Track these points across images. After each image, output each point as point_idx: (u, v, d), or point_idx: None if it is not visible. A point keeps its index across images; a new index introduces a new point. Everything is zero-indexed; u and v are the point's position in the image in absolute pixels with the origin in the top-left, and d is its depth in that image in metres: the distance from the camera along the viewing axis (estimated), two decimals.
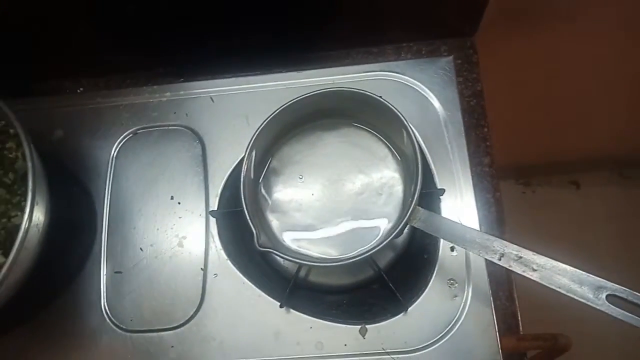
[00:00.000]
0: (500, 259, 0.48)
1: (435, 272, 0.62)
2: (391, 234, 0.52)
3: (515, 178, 1.61)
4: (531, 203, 1.59)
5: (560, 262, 0.46)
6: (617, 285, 0.43)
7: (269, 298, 0.62)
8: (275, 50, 0.76)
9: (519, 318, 0.65)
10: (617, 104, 1.16)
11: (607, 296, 0.43)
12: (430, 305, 0.61)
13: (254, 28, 0.73)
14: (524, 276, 0.46)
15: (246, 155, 0.56)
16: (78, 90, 0.79)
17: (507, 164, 1.43)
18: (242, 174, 0.55)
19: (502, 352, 0.58)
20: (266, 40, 0.75)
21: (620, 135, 1.30)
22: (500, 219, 0.69)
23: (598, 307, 0.43)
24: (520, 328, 0.65)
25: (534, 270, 0.46)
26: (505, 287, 0.65)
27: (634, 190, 1.55)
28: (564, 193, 1.59)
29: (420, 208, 0.53)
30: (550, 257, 0.46)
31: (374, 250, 0.52)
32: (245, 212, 0.53)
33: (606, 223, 1.51)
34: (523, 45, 0.93)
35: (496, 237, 0.49)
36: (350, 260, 0.52)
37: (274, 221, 0.62)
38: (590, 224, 1.51)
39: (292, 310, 0.62)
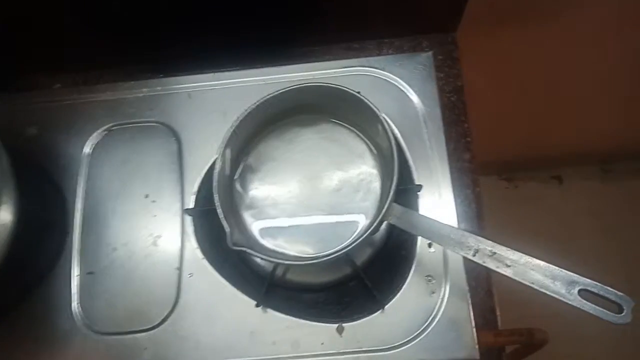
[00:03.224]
0: (474, 255, 0.47)
1: (413, 268, 0.62)
2: (366, 230, 0.51)
3: (498, 173, 1.62)
4: (514, 198, 1.60)
5: (536, 257, 0.46)
6: (589, 280, 0.43)
7: (245, 297, 0.61)
8: (256, 46, 0.75)
9: (497, 313, 0.65)
10: (599, 99, 1.17)
11: (579, 291, 0.43)
12: (407, 302, 0.60)
13: (234, 24, 0.72)
14: (498, 272, 0.46)
15: (220, 153, 0.55)
16: (54, 86, 0.78)
17: (490, 160, 1.44)
18: (216, 172, 0.54)
19: (479, 347, 0.58)
20: (246, 36, 0.74)
21: (602, 130, 1.31)
22: (479, 214, 0.69)
23: (570, 302, 0.43)
24: (499, 323, 0.65)
25: (508, 266, 0.46)
26: (483, 283, 0.65)
27: (616, 185, 1.57)
28: (547, 188, 1.60)
29: (395, 204, 0.52)
30: (525, 253, 0.46)
31: (349, 248, 0.51)
32: (218, 209, 0.52)
33: (588, 217, 1.52)
34: (505, 40, 0.93)
35: (471, 233, 0.48)
36: (326, 259, 0.51)
37: (250, 219, 0.61)
38: (573, 218, 1.53)
39: (268, 309, 0.61)
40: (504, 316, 0.65)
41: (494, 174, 1.61)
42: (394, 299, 0.60)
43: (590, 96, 1.15)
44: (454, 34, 0.77)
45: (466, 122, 0.73)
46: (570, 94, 1.14)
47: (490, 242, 0.47)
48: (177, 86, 0.73)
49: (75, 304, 0.63)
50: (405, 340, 0.59)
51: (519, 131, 1.31)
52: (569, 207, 1.55)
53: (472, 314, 0.59)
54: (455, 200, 0.66)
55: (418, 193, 0.64)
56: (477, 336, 0.59)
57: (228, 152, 0.57)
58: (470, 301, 0.60)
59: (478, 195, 0.71)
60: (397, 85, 0.70)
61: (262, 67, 0.74)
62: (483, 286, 0.65)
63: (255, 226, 0.61)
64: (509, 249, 0.46)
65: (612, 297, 0.42)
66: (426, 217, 0.51)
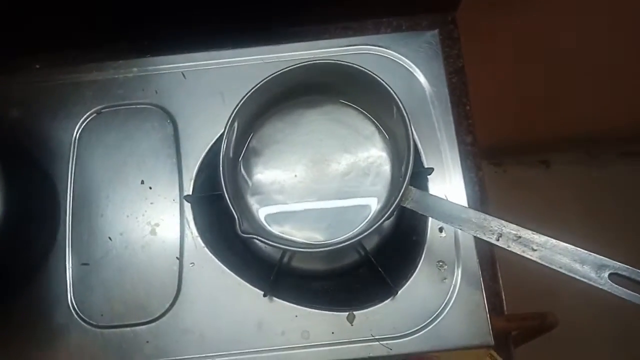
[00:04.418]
0: (498, 240, 0.46)
1: (424, 254, 0.60)
2: (382, 216, 0.49)
3: (487, 158, 1.62)
4: (503, 183, 1.61)
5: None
6: (619, 264, 0.42)
7: (251, 286, 0.59)
8: (249, 24, 0.71)
9: (503, 297, 0.65)
10: (586, 84, 1.17)
11: (609, 275, 0.41)
12: (419, 288, 0.59)
13: (227, 1, 0.68)
14: (524, 257, 0.45)
15: (226, 130, 0.51)
16: (35, 67, 0.73)
17: (481, 144, 1.43)
18: (221, 153, 0.51)
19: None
20: (239, 14, 0.71)
21: (588, 114, 1.32)
22: (483, 198, 0.68)
23: (601, 287, 0.41)
24: (505, 306, 0.64)
25: (534, 250, 0.44)
26: (488, 267, 0.64)
27: (601, 169, 1.58)
28: (535, 172, 1.61)
29: (412, 188, 0.50)
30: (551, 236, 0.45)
31: (364, 235, 0.49)
32: (226, 195, 0.49)
33: (576, 200, 1.54)
34: (497, 25, 0.92)
35: (494, 216, 0.47)
36: (339, 246, 0.49)
37: (255, 205, 0.58)
38: (561, 202, 1.54)
39: (275, 298, 0.58)
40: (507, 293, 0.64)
41: (484, 158, 1.61)
42: (405, 286, 0.58)
43: (578, 81, 1.16)
44: (453, 14, 0.75)
45: (468, 104, 0.72)
46: (558, 79, 1.14)
47: (515, 225, 0.45)
48: (170, 65, 0.69)
49: (70, 297, 0.59)
50: (418, 328, 0.57)
51: (509, 116, 1.31)
52: (556, 191, 1.56)
53: (485, 300, 0.58)
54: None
55: (428, 176, 0.62)
56: (490, 322, 0.57)
57: (235, 128, 0.53)
58: (483, 287, 0.59)
59: (481, 178, 0.69)
60: (402, 64, 0.68)
61: (257, 46, 0.70)
62: (488, 270, 0.64)
63: (261, 212, 0.58)
64: (534, 232, 0.45)
65: None
66: (445, 200, 0.50)
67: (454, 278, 0.59)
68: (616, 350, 1.37)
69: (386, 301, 0.58)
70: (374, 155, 0.60)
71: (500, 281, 0.65)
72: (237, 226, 0.48)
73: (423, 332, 0.57)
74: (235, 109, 0.52)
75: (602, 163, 1.60)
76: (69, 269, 0.60)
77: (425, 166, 0.62)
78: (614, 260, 0.42)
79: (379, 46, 0.69)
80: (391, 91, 0.52)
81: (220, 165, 0.50)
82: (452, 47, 0.74)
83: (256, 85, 0.53)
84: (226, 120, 0.54)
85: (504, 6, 0.87)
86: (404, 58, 0.68)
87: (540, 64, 1.07)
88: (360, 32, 0.74)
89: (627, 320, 1.26)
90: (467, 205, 0.62)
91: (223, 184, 0.49)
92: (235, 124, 0.53)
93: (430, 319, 0.58)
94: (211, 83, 0.67)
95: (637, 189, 1.53)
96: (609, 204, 1.53)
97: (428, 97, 0.66)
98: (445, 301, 0.58)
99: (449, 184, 0.63)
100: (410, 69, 0.67)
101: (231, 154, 0.55)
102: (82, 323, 0.59)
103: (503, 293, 0.65)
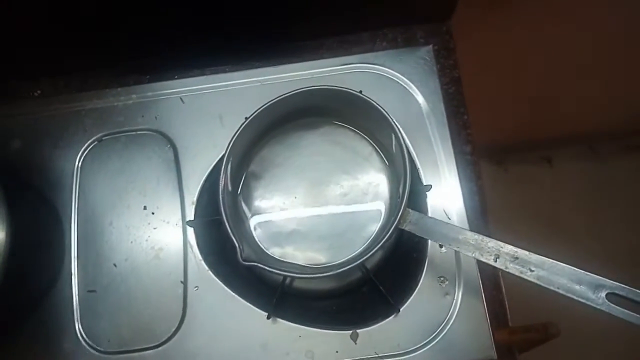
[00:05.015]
0: (496, 261, 0.46)
1: (425, 270, 0.60)
2: (381, 239, 0.50)
3: (487, 158, 1.61)
4: (505, 182, 1.60)
5: (557, 259, 0.45)
6: (616, 283, 0.42)
7: (255, 308, 0.60)
8: (244, 43, 0.72)
9: (507, 306, 0.65)
10: (587, 80, 1.17)
11: (607, 295, 0.42)
12: (421, 305, 0.59)
13: (221, 19, 0.69)
14: (521, 277, 0.45)
15: (223, 165, 0.52)
16: (35, 94, 0.74)
17: (480, 145, 1.43)
18: (220, 187, 0.51)
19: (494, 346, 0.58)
20: (235, 33, 0.71)
21: (590, 110, 1.31)
22: (484, 207, 0.68)
23: (598, 307, 0.42)
24: (509, 315, 0.64)
25: (532, 271, 0.44)
26: (491, 276, 0.64)
27: (604, 165, 1.57)
28: (537, 170, 1.60)
29: (410, 210, 0.50)
30: (547, 256, 0.45)
31: (364, 258, 0.49)
32: (227, 226, 0.50)
33: (579, 198, 1.53)
34: (497, 24, 0.92)
35: (490, 237, 0.47)
36: (339, 271, 0.50)
37: (257, 230, 0.59)
38: (564, 199, 1.53)
39: (279, 319, 0.59)
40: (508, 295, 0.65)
41: (484, 158, 1.61)
42: (407, 303, 0.59)
43: (579, 77, 1.15)
44: (448, 23, 0.76)
45: (465, 113, 0.72)
46: (558, 76, 1.14)
47: (512, 246, 0.46)
48: (169, 91, 0.70)
49: (78, 324, 0.60)
50: (422, 344, 0.58)
51: (509, 114, 1.30)
52: (560, 188, 1.55)
53: (487, 314, 0.59)
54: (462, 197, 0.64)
55: (427, 193, 0.62)
56: (493, 336, 0.58)
57: (230, 162, 0.54)
58: (485, 301, 0.59)
59: (481, 187, 0.69)
60: (398, 82, 0.68)
61: (253, 67, 0.71)
62: (491, 279, 0.64)
63: (262, 236, 0.59)
64: (531, 252, 0.45)
65: None
66: (442, 221, 0.50)
67: (456, 293, 0.59)
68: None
69: (389, 319, 0.59)
70: (372, 175, 0.60)
71: (504, 289, 0.66)
72: (239, 254, 0.49)
73: (426, 348, 0.58)
74: (230, 141, 0.53)
75: (605, 158, 1.59)
76: (75, 296, 0.61)
77: (424, 183, 0.63)
78: (611, 279, 0.42)
79: (374, 64, 0.69)
80: (388, 117, 0.53)
81: (220, 196, 0.51)
82: (448, 57, 0.74)
83: (252, 114, 0.54)
84: (226, 144, 0.54)
85: (501, 6, 0.88)
86: (399, 75, 0.68)
87: (539, 60, 1.07)
88: (356, 45, 0.75)
89: (631, 330, 1.25)
90: (466, 218, 0.63)
91: (224, 215, 0.50)
92: (232, 156, 0.53)
93: (433, 335, 0.58)
94: (209, 107, 0.68)
95: None
96: (614, 199, 1.52)
97: (424, 113, 0.66)
98: (448, 316, 0.59)
99: (448, 198, 0.63)
100: (405, 86, 0.68)
101: (230, 185, 0.55)
102: (90, 349, 0.59)
103: (507, 302, 0.65)
